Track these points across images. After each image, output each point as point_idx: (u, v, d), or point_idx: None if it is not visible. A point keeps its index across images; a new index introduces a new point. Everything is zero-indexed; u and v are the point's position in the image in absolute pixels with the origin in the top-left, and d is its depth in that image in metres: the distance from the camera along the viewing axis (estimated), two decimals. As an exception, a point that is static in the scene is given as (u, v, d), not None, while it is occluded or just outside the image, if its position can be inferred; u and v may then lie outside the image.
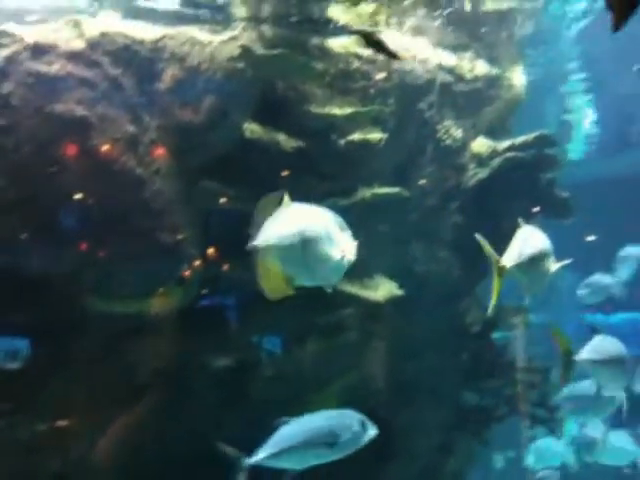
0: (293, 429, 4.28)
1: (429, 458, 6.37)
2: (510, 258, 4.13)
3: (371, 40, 3.87)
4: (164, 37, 4.88)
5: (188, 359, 4.88)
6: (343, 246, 3.46)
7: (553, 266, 4.43)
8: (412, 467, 6.15)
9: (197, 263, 4.75)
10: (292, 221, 3.37)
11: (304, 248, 3.35)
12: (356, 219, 5.52)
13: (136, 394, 4.88)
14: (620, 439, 8.66)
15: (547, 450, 8.75)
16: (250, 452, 4.27)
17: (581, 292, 10.22)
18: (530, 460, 8.70)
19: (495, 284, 4.07)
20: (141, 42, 4.79)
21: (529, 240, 4.36)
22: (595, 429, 8.83)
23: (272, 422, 5.01)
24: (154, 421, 4.92)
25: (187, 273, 4.71)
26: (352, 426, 4.43)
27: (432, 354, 6.11)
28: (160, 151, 4.72)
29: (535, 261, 4.29)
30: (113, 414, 4.79)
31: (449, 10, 5.70)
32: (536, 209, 5.52)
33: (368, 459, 5.73)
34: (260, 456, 4.21)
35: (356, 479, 5.70)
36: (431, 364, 6.07)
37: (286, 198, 3.43)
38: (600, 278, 10.15)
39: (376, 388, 5.60)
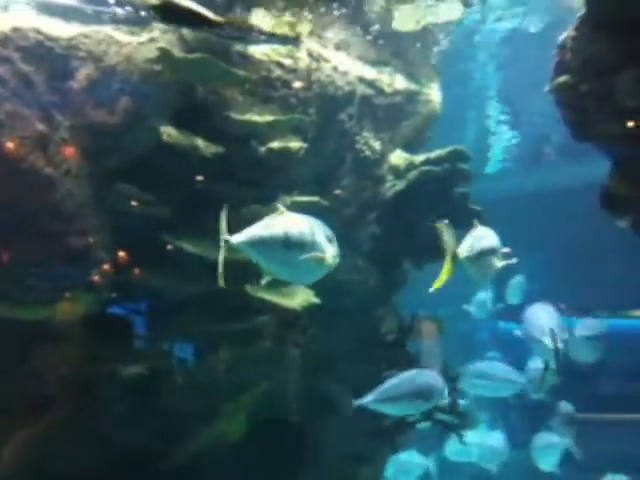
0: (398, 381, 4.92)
1: (343, 466, 6.40)
2: (463, 249, 4.74)
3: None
4: (80, 35, 4.76)
5: (97, 367, 4.74)
6: (325, 253, 3.91)
7: (499, 262, 5.02)
8: (326, 475, 6.17)
9: (108, 268, 4.63)
10: (280, 223, 3.86)
11: (287, 247, 3.80)
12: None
13: (43, 403, 4.70)
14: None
15: (407, 463, 8.83)
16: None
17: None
18: (389, 473, 8.41)
19: (445, 270, 4.55)
20: (56, 39, 4.65)
21: (481, 237, 4.99)
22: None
23: (184, 431, 4.98)
24: (61, 431, 4.77)
25: (97, 278, 4.58)
26: (440, 385, 5.16)
27: (347, 362, 6.16)
28: (71, 151, 4.59)
29: (484, 255, 4.89)
30: (18, 424, 4.61)
31: (370, 28, 5.84)
32: (446, 221, 5.69)
33: (282, 467, 5.73)
34: (368, 399, 4.85)
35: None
36: (346, 372, 6.12)
37: (282, 208, 3.94)
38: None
39: (290, 397, 5.60)
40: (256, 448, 5.42)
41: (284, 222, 3.88)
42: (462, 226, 6.16)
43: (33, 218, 4.41)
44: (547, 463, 8.71)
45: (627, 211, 3.51)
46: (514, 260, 5.08)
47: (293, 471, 5.68)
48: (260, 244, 3.84)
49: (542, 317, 6.12)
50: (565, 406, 8.48)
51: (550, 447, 8.64)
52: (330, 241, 4.03)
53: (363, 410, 6.29)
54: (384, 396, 4.90)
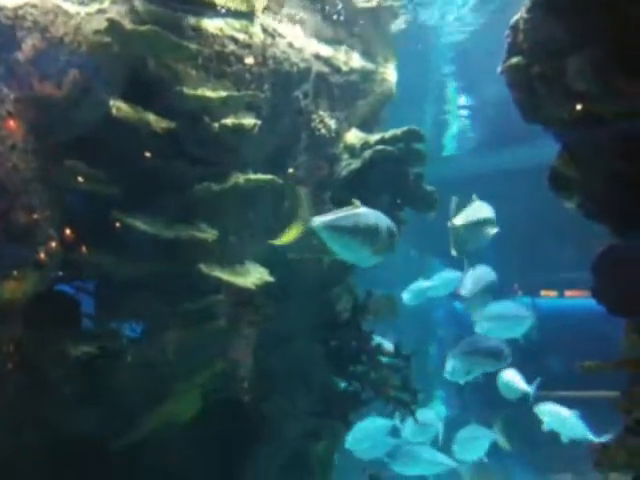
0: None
1: (297, 443, 6.45)
2: (460, 219, 6.05)
3: None
4: (26, 4, 4.59)
5: (45, 347, 4.64)
6: (382, 245, 4.75)
7: (492, 231, 6.47)
8: (280, 453, 6.21)
9: (55, 246, 4.51)
10: (353, 216, 4.65)
11: (355, 235, 4.60)
12: (229, 205, 5.51)
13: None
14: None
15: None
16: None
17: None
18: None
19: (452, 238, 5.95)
20: (0, 8, 4.49)
21: (476, 210, 6.36)
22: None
23: (135, 411, 4.92)
24: (7, 414, 4.67)
25: (44, 256, 4.46)
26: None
27: (302, 341, 6.18)
28: (17, 126, 4.44)
29: (478, 224, 6.24)
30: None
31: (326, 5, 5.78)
32: (399, 201, 5.79)
33: (235, 446, 5.75)
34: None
35: (224, 466, 5.70)
36: (300, 351, 6.14)
37: (357, 202, 4.77)
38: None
39: (244, 376, 5.59)
40: (209, 427, 5.42)
41: (357, 215, 4.68)
42: (415, 206, 6.24)
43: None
44: (471, 455, 8.96)
45: (574, 192, 3.57)
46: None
47: (246, 450, 5.70)
48: (336, 230, 4.54)
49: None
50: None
51: (474, 439, 8.90)
52: (392, 235, 4.83)
53: (316, 389, 6.35)
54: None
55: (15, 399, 4.69)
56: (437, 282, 10.33)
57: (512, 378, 8.55)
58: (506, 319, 7.86)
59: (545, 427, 8.51)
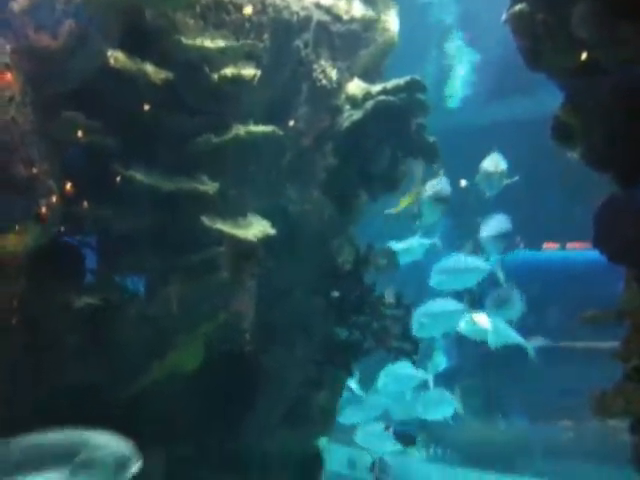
0: None
1: (299, 393, 6.54)
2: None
3: None
4: (19, -48, 4.50)
5: (48, 299, 4.68)
6: None
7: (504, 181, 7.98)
8: (282, 403, 6.31)
9: (55, 199, 4.51)
10: None
11: None
12: (229, 157, 5.48)
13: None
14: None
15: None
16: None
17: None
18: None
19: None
20: (-7, -43, 4.40)
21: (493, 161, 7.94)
22: None
23: (138, 363, 4.98)
24: (11, 368, 4.71)
25: (45, 210, 4.46)
26: None
27: (303, 293, 6.22)
28: (14, 78, 4.39)
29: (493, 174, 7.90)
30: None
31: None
32: (403, 153, 5.72)
33: (237, 396, 5.84)
34: None
35: (227, 416, 5.80)
36: (302, 303, 6.19)
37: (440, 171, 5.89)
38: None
39: (246, 328, 5.64)
40: (212, 379, 5.49)
41: None
42: (417, 156, 6.19)
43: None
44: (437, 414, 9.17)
45: (577, 142, 3.54)
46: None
47: (249, 400, 5.79)
48: None
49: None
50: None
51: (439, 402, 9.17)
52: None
53: (317, 339, 6.41)
54: None
55: (18, 353, 4.73)
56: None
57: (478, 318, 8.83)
58: (459, 272, 8.39)
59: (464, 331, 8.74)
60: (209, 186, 5.04)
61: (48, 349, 4.87)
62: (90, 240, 5.17)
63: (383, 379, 9.07)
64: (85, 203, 4.74)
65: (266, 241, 5.38)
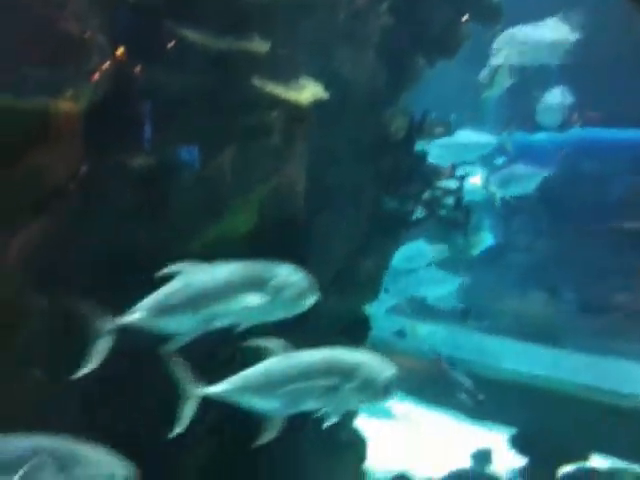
0: None
1: (346, 260, 6.64)
2: None
3: None
4: None
5: (102, 159, 4.68)
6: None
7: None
8: (331, 266, 6.42)
9: (108, 59, 4.40)
10: None
11: None
12: (280, 15, 5.25)
13: (47, 199, 4.61)
14: None
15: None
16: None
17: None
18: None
19: None
20: None
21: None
22: None
23: (193, 225, 5.00)
24: (65, 229, 4.73)
25: (98, 68, 4.37)
26: None
27: (354, 160, 6.15)
28: None
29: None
30: (19, 225, 4.52)
31: None
32: (465, 17, 5.40)
33: (288, 259, 5.93)
34: None
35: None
36: (352, 170, 6.13)
37: None
38: None
39: (298, 193, 5.64)
40: (263, 242, 5.57)
41: None
42: (480, 19, 5.85)
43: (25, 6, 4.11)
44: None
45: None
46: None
47: (299, 262, 5.89)
48: None
49: None
50: None
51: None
52: None
53: (366, 207, 6.40)
54: None
55: (73, 214, 4.73)
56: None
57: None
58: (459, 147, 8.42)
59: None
60: (261, 45, 4.87)
61: (102, 211, 4.92)
62: (142, 103, 5.09)
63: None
64: (137, 64, 4.63)
65: (318, 105, 5.25)
